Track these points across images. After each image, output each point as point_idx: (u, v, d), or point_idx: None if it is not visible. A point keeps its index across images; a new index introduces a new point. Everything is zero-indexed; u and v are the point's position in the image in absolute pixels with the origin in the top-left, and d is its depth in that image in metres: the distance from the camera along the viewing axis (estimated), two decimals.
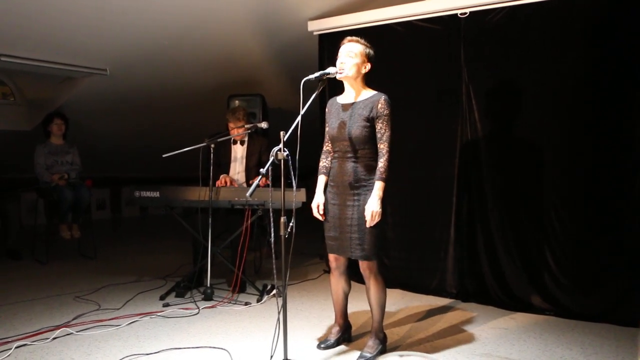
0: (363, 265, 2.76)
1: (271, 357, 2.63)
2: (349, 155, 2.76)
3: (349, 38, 2.80)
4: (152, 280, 4.54)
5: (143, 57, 5.25)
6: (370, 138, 2.72)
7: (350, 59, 2.72)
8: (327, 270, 4.78)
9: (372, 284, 2.78)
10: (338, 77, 2.73)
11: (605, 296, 3.42)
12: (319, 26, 4.66)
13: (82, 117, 6.06)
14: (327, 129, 2.91)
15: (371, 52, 2.80)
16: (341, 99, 2.90)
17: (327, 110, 2.96)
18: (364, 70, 2.77)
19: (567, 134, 3.57)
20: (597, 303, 3.43)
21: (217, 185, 4.09)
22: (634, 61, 3.32)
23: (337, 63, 2.75)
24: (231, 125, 4.35)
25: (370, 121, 2.69)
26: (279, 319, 2.54)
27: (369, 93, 2.78)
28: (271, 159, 2.51)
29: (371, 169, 2.74)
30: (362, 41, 2.79)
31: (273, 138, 3.23)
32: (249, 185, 4.12)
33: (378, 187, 2.66)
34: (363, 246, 2.70)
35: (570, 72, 3.54)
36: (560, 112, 3.58)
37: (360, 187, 2.73)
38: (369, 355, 2.75)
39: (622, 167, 3.38)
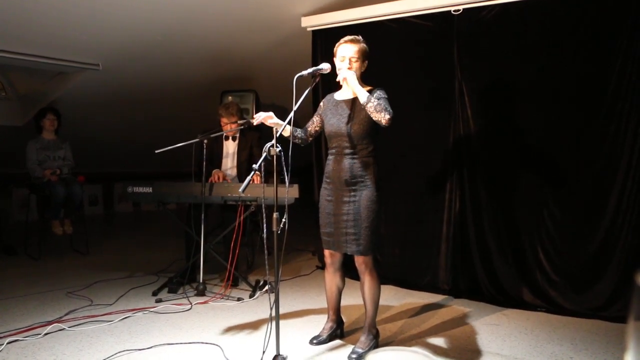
0: (359, 260, 2.77)
1: (263, 352, 2.64)
2: (347, 151, 2.76)
3: (350, 38, 2.77)
4: (144, 276, 4.53)
5: (135, 52, 5.22)
6: (369, 134, 2.73)
7: (356, 61, 2.73)
8: (320, 267, 4.79)
9: (367, 280, 2.78)
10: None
11: (596, 293, 3.44)
12: (312, 22, 4.65)
13: (75, 112, 6.02)
14: (315, 119, 2.97)
15: (367, 48, 2.81)
16: (339, 96, 2.90)
17: (322, 105, 2.97)
18: (363, 69, 2.79)
19: (561, 132, 3.58)
20: (588, 300, 3.46)
21: (209, 181, 4.08)
22: (628, 60, 3.33)
23: (343, 65, 2.72)
24: (224, 120, 4.34)
25: (369, 116, 2.68)
26: (271, 315, 2.55)
27: (366, 88, 2.76)
28: (264, 154, 2.51)
29: (367, 165, 2.74)
30: (361, 39, 2.79)
31: (266, 134, 3.23)
32: (241, 181, 4.12)
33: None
34: (359, 241, 2.71)
35: (564, 70, 3.55)
36: (554, 110, 3.59)
37: (356, 183, 2.74)
38: (361, 350, 2.76)
39: (615, 166, 3.40)
